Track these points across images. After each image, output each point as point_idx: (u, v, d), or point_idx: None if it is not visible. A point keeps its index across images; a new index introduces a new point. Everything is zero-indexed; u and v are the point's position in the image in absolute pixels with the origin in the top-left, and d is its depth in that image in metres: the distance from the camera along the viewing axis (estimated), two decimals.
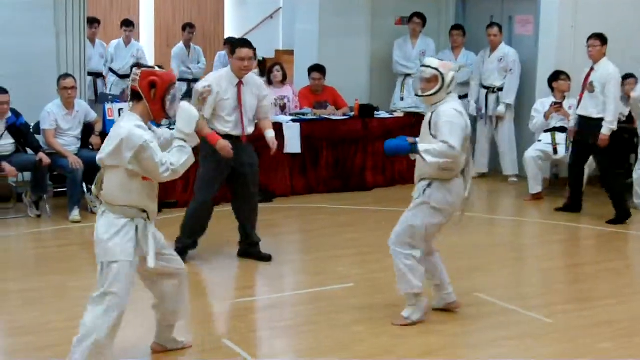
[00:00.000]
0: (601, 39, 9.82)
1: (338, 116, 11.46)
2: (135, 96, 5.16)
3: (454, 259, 8.18)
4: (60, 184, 10.11)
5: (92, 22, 13.12)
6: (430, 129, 6.11)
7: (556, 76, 11.02)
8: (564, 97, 10.98)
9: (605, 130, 9.61)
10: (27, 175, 9.85)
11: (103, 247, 5.08)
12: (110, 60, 13.72)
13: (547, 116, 10.85)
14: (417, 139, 6.17)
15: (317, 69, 11.61)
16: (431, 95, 6.17)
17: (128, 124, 5.03)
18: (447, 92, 6.17)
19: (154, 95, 5.10)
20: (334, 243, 8.62)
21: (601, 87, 9.70)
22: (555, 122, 10.97)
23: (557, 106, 10.83)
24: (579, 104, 9.96)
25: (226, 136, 7.67)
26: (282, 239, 9.36)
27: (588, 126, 9.79)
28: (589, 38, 9.92)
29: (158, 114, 5.16)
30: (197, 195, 8.04)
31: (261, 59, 16.70)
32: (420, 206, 6.21)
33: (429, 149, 5.96)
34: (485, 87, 12.08)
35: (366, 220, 9.78)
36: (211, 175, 7.87)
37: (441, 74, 6.14)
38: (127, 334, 5.59)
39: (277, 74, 11.48)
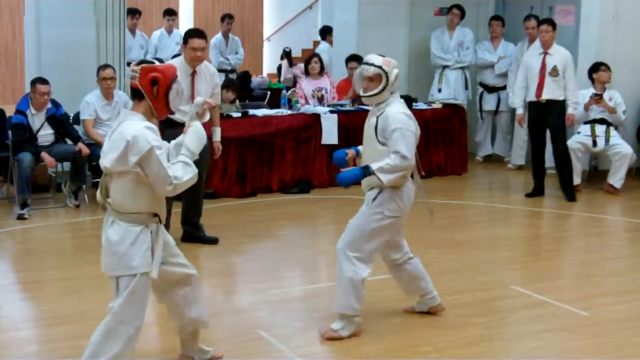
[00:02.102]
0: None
1: None
2: (136, 94, 4.80)
3: (491, 251, 8.18)
4: (99, 174, 10.11)
5: (133, 13, 13.21)
6: (376, 134, 5.75)
7: (596, 67, 10.92)
8: (604, 89, 10.88)
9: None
10: (67, 165, 9.94)
11: (117, 259, 4.72)
12: (154, 51, 13.80)
13: (586, 108, 10.75)
14: (360, 148, 5.99)
15: (355, 59, 11.59)
16: (374, 95, 5.80)
17: (135, 126, 4.66)
18: (390, 91, 5.80)
19: (156, 92, 4.76)
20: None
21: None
22: (595, 113, 10.88)
23: (597, 98, 10.73)
24: None
25: (182, 124, 7.67)
26: (319, 229, 9.38)
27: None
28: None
29: (162, 111, 4.83)
30: None
31: (288, 49, 16.80)
32: (369, 214, 5.83)
33: (382, 166, 5.61)
34: None
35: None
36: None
37: (385, 72, 5.76)
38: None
39: (314, 65, 11.48)
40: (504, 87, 12.53)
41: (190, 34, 7.97)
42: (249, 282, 7.45)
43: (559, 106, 10.25)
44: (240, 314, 6.48)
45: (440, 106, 12.05)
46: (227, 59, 14.40)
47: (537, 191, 10.56)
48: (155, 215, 4.85)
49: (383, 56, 5.93)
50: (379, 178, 5.65)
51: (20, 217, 9.20)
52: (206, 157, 8.13)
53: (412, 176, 5.96)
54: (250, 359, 5.60)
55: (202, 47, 7.84)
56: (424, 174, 6.13)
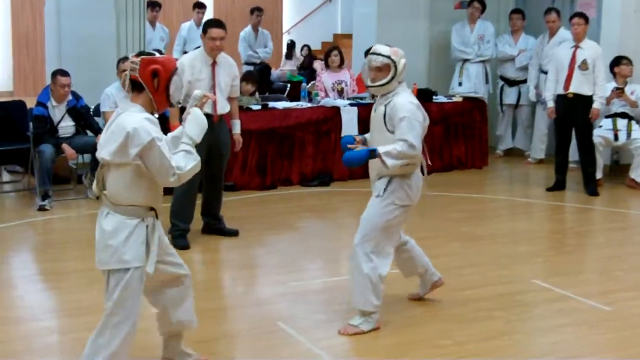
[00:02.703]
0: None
1: None
2: (136, 86, 4.66)
3: (513, 245, 8.15)
4: None
5: (153, 5, 13.23)
6: (385, 124, 5.73)
7: (618, 61, 10.87)
8: (625, 82, 10.82)
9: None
10: (87, 157, 9.97)
11: (110, 252, 4.59)
12: (183, 43, 13.83)
13: (608, 101, 10.69)
14: (367, 136, 5.97)
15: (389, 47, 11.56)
16: (383, 85, 5.77)
17: (135, 117, 4.54)
18: (398, 81, 5.78)
19: (157, 85, 4.64)
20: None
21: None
22: (616, 107, 10.83)
23: (619, 91, 10.68)
24: None
25: (210, 116, 7.67)
26: (339, 222, 9.37)
27: None
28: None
29: (162, 104, 4.72)
30: None
31: (289, 42, 16.79)
32: (381, 205, 5.82)
33: (389, 150, 5.56)
34: (544, 72, 11.91)
35: (422, 205, 9.64)
36: None
37: (393, 61, 5.75)
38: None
39: (334, 58, 11.46)
40: (525, 81, 12.50)
41: (210, 24, 8.02)
42: (269, 274, 7.45)
43: (587, 101, 10.18)
44: (260, 306, 6.48)
45: (460, 100, 12.02)
46: (256, 52, 14.43)
47: (559, 185, 10.52)
48: (152, 209, 4.72)
49: (390, 46, 5.91)
50: (383, 162, 5.60)
51: (42, 209, 9.24)
52: (226, 149, 8.15)
53: (421, 167, 5.95)
54: (270, 351, 5.60)
55: (221, 36, 7.87)
56: (430, 163, 6.09)
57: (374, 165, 5.84)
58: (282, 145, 10.60)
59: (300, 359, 5.53)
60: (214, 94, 7.79)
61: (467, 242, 8.24)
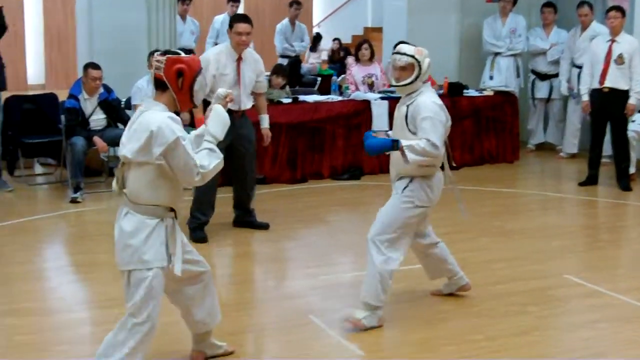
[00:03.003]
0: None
1: None
2: (160, 85, 4.64)
3: (545, 240, 8.11)
4: None
5: None
6: (407, 123, 5.71)
7: None
8: None
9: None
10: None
11: (131, 252, 4.58)
12: (216, 35, 13.86)
13: None
14: (389, 132, 5.94)
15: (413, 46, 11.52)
16: (407, 84, 5.76)
17: (159, 116, 4.51)
18: (422, 80, 5.78)
19: (181, 84, 4.62)
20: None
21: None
22: None
23: None
24: None
25: (235, 112, 7.70)
26: (370, 216, 9.25)
27: None
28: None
29: (185, 104, 4.70)
30: None
31: (315, 34, 16.77)
32: (400, 203, 5.80)
33: (412, 145, 5.53)
34: (576, 66, 11.82)
35: (452, 199, 9.65)
36: None
37: (417, 61, 5.74)
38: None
39: (364, 52, 11.43)
40: (557, 75, 12.40)
41: (236, 19, 8.03)
42: (300, 268, 7.46)
43: (622, 95, 10.09)
44: (291, 299, 6.49)
45: (491, 93, 11.96)
46: (292, 45, 14.45)
47: (591, 180, 10.44)
48: (172, 210, 4.70)
49: (414, 45, 5.91)
50: (404, 156, 5.56)
51: (74, 201, 9.30)
52: (249, 144, 8.12)
53: (442, 167, 5.92)
54: (301, 345, 5.60)
55: (247, 31, 7.86)
56: (455, 165, 6.06)
57: (394, 162, 5.83)
58: (312, 139, 10.60)
59: (331, 353, 5.54)
60: (239, 89, 7.82)
61: (498, 236, 8.20)
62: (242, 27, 7.86)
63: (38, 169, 11.14)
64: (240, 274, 7.33)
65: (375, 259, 5.78)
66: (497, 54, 12.67)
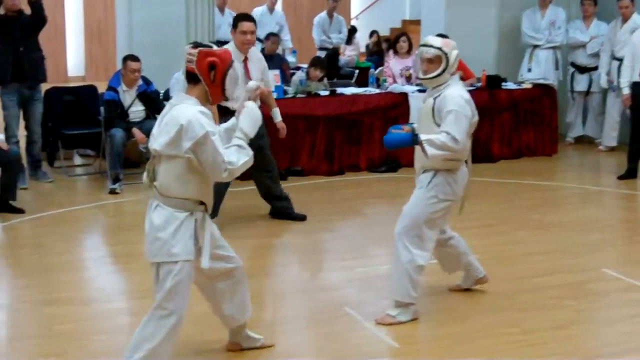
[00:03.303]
0: None
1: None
2: (192, 78, 4.66)
3: (583, 233, 8.06)
4: None
5: None
6: (434, 116, 5.64)
7: None
8: None
9: None
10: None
11: (160, 245, 4.58)
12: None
13: None
14: (415, 125, 5.85)
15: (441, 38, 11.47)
16: (435, 77, 5.68)
17: (189, 110, 4.51)
18: (450, 72, 5.69)
19: (213, 77, 4.61)
20: (457, 215, 8.51)
21: None
22: None
23: None
24: None
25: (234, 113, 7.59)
26: None
27: None
28: None
29: (217, 97, 4.69)
30: None
31: (350, 27, 16.76)
32: (424, 198, 5.72)
33: (431, 138, 5.47)
34: (616, 59, 11.71)
35: (491, 192, 9.66)
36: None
37: (445, 53, 5.67)
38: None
39: (402, 44, 11.41)
40: (596, 68, 12.29)
41: (240, 18, 7.94)
42: (337, 260, 7.47)
43: None
44: (327, 291, 6.50)
45: (530, 86, 11.88)
46: (329, 38, 14.48)
47: (631, 173, 10.33)
48: (202, 203, 4.69)
49: (444, 37, 5.85)
50: (424, 149, 5.49)
51: (113, 192, 9.38)
52: (261, 139, 8.05)
53: (466, 161, 5.86)
54: (336, 336, 5.61)
55: (251, 30, 7.79)
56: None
57: (418, 157, 5.76)
58: (350, 131, 10.59)
59: (367, 345, 5.54)
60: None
61: (536, 229, 8.16)
62: (246, 25, 7.77)
63: (77, 160, 11.23)
64: (276, 266, 7.36)
65: (402, 256, 5.74)
66: (536, 46, 12.58)
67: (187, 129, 4.44)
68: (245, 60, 7.84)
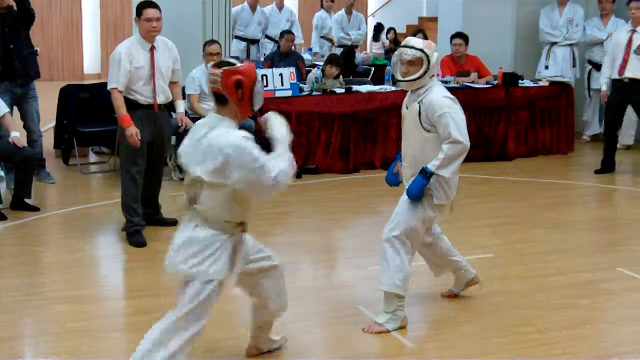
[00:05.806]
0: None
1: (481, 84, 11.31)
2: (220, 99, 4.49)
3: (597, 232, 8.03)
4: None
5: None
6: (421, 122, 5.50)
7: None
8: None
9: None
10: (172, 139, 10.06)
11: (196, 262, 4.49)
12: (265, 26, 13.89)
13: None
14: (399, 154, 5.80)
15: (460, 36, 11.44)
16: (415, 79, 5.52)
17: (231, 136, 4.36)
18: (430, 75, 5.54)
19: (241, 95, 4.45)
20: (473, 213, 8.49)
21: None
22: None
23: None
24: None
25: (146, 106, 7.42)
26: None
27: None
28: None
29: (246, 113, 4.53)
30: (123, 172, 7.65)
31: (376, 24, 16.67)
32: (418, 204, 5.61)
33: (438, 164, 5.41)
34: None
35: (507, 190, 9.64)
36: (132, 151, 7.42)
37: (426, 55, 5.49)
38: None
39: None
40: None
41: (143, 5, 7.56)
42: (350, 258, 7.45)
43: None
44: (340, 289, 6.50)
45: (546, 84, 11.83)
46: (348, 34, 14.50)
47: (606, 167, 10.54)
48: (241, 223, 4.64)
49: (423, 39, 5.76)
50: (440, 175, 5.46)
51: None
52: (168, 141, 8.05)
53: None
54: (350, 334, 5.61)
55: (157, 17, 7.44)
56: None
57: (411, 164, 5.68)
58: (365, 129, 10.57)
59: (380, 343, 5.53)
60: (154, 81, 7.43)
61: (550, 228, 8.12)
62: (151, 12, 7.43)
63: (92, 157, 11.25)
64: (290, 264, 7.31)
65: (391, 259, 5.63)
66: (553, 43, 12.54)
67: (235, 158, 4.31)
68: (152, 49, 7.49)
